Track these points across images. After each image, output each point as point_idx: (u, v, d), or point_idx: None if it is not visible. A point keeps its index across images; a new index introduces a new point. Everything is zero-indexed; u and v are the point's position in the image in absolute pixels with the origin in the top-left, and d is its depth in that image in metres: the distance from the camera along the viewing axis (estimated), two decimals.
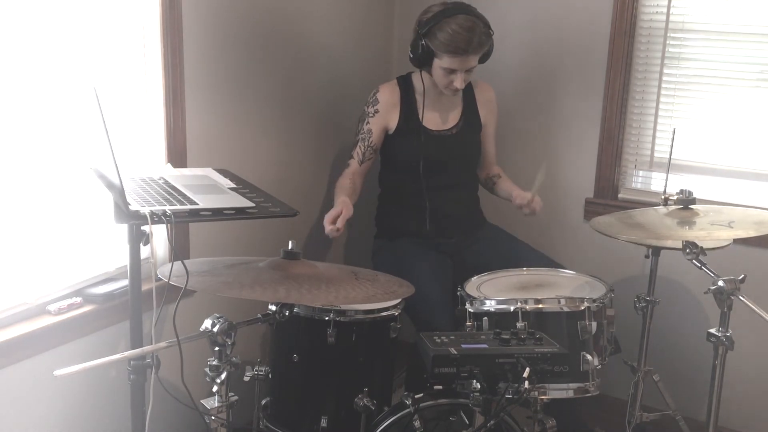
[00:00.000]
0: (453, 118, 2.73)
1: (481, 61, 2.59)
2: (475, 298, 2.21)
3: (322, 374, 2.17)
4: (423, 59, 2.55)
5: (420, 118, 2.67)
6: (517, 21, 3.00)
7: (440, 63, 2.51)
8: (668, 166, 2.41)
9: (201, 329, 1.73)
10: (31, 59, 1.86)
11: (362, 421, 2.08)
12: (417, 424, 1.99)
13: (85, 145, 1.95)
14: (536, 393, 1.85)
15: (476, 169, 2.87)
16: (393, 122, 2.68)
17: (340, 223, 2.38)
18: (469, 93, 2.76)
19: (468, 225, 2.80)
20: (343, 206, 2.43)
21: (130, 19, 2.12)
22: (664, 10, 2.75)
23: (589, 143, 2.94)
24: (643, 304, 2.47)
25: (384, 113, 2.67)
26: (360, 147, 2.68)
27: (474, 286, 2.32)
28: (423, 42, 2.50)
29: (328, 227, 2.39)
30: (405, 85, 2.71)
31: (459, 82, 2.52)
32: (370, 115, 2.67)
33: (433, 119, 2.70)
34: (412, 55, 2.57)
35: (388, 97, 2.68)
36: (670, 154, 2.41)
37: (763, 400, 2.80)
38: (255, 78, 2.55)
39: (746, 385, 2.78)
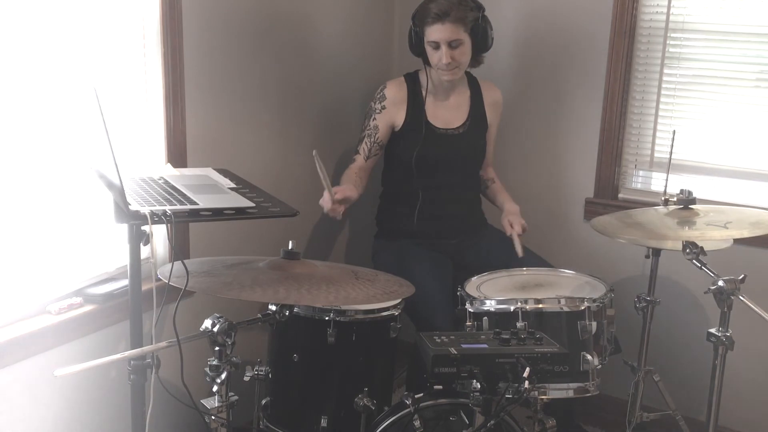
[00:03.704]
0: (460, 117, 2.72)
1: (480, 47, 2.59)
2: (475, 298, 2.21)
3: (322, 374, 2.17)
4: (416, 42, 2.57)
5: (426, 115, 2.67)
6: (517, 21, 3.00)
7: (426, 38, 2.54)
8: (668, 169, 2.41)
9: (201, 329, 1.73)
10: (31, 59, 1.86)
11: (362, 421, 2.07)
12: (417, 424, 1.99)
13: (85, 145, 1.95)
14: (536, 393, 1.85)
15: (479, 170, 2.86)
16: (400, 119, 2.68)
17: (339, 195, 2.33)
18: (476, 92, 2.76)
19: (469, 226, 2.79)
20: (345, 187, 2.42)
21: (130, 19, 2.12)
22: (664, 10, 2.75)
23: (589, 143, 2.94)
24: (643, 304, 2.47)
25: (391, 109, 2.67)
26: (366, 143, 2.67)
27: (474, 286, 2.31)
28: (413, 23, 2.56)
29: (327, 206, 2.34)
30: (412, 82, 2.71)
31: (445, 57, 2.51)
32: (377, 111, 2.67)
33: (440, 118, 2.70)
34: (408, 43, 2.62)
35: (395, 93, 2.68)
36: (670, 156, 2.41)
37: (763, 400, 2.80)
38: (255, 78, 2.55)
39: (746, 385, 2.78)
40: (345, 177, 2.62)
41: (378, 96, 2.69)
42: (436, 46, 2.52)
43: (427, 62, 2.62)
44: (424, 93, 2.67)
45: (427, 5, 2.51)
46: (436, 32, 2.50)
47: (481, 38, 2.56)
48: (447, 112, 2.71)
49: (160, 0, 2.14)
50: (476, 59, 2.65)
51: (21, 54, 1.84)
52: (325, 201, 2.35)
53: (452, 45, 2.51)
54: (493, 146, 2.88)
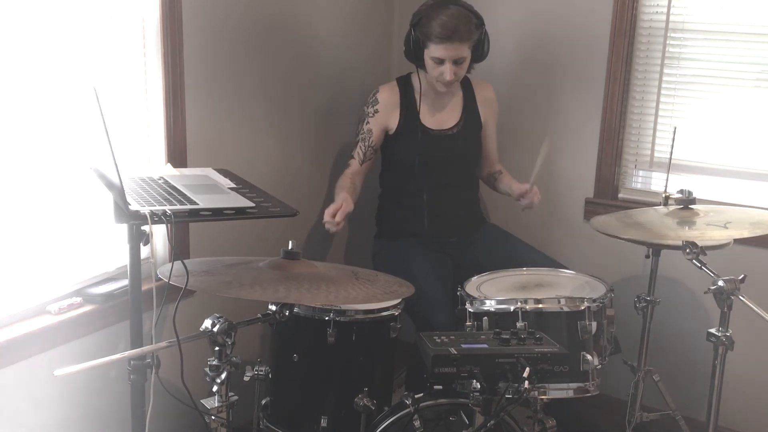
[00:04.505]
0: (453, 117, 2.73)
1: (477, 59, 2.61)
2: (475, 298, 2.21)
3: (322, 374, 2.17)
4: (415, 51, 2.56)
5: (420, 118, 2.68)
6: (516, 21, 3.00)
7: (429, 52, 2.53)
8: (669, 165, 2.41)
9: (201, 329, 1.73)
10: (31, 59, 1.86)
11: (362, 421, 2.07)
12: (417, 424, 1.99)
13: (85, 145, 1.95)
14: (536, 393, 1.85)
15: (476, 169, 2.87)
16: (393, 123, 2.69)
17: (339, 217, 2.39)
18: (468, 92, 2.77)
19: (468, 224, 2.80)
20: (343, 201, 2.44)
21: (130, 19, 2.12)
22: (664, 10, 2.75)
23: (589, 143, 2.94)
24: (643, 304, 2.47)
25: (384, 113, 2.68)
26: (360, 147, 2.68)
27: (474, 286, 2.32)
28: (414, 32, 2.54)
29: (327, 220, 2.40)
30: (405, 85, 2.72)
31: (448, 74, 2.52)
32: (370, 115, 2.68)
33: (433, 119, 2.71)
34: (405, 48, 2.60)
35: (387, 97, 2.69)
36: (671, 153, 2.41)
37: (763, 400, 2.80)
38: (255, 78, 2.55)
39: (746, 385, 2.78)
40: (340, 183, 2.63)
41: (371, 100, 2.70)
42: (440, 61, 2.52)
43: (421, 67, 2.62)
44: (417, 96, 2.68)
45: (432, 21, 2.48)
46: (442, 51, 2.49)
47: (480, 52, 2.60)
48: (440, 114, 2.72)
49: (160, 0, 2.14)
50: (470, 68, 2.67)
51: (21, 54, 1.84)
52: (330, 227, 2.42)
53: (457, 62, 2.52)
54: (495, 141, 2.88)
